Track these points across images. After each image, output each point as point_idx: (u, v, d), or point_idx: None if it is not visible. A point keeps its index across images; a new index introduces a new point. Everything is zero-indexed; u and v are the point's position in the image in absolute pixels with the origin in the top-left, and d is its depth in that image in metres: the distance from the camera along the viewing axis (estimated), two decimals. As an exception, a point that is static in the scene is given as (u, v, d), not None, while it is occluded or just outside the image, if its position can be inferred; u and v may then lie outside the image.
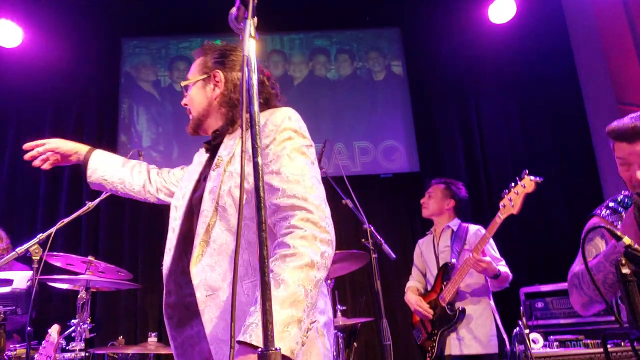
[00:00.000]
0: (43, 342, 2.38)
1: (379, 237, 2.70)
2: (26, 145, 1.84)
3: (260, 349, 0.80)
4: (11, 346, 2.92)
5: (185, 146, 4.81)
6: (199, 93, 1.58)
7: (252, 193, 1.32)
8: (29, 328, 2.33)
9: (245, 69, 0.94)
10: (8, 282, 2.74)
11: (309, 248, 1.17)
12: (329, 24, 5.27)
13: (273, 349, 0.76)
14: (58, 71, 4.95)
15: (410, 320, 3.44)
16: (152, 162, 4.71)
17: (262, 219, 0.80)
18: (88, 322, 2.92)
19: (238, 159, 1.42)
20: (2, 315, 2.66)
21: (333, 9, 5.23)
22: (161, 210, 4.59)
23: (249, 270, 1.33)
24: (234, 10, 1.06)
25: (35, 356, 2.40)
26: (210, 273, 1.32)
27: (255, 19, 1.05)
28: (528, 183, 2.82)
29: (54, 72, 4.94)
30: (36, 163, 1.83)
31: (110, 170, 1.83)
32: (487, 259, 2.96)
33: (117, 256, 4.43)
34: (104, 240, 4.57)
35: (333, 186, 2.88)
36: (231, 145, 1.48)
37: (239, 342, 1.08)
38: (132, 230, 4.64)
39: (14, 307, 2.72)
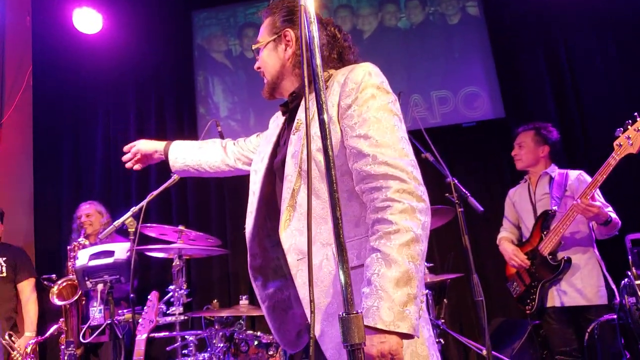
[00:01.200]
0: (145, 307, 2.55)
1: (464, 189, 2.56)
2: (125, 148, 2.02)
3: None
4: (119, 312, 3.17)
5: (262, 113, 4.84)
6: (270, 55, 1.53)
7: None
8: (131, 295, 2.51)
9: (304, 20, 0.86)
10: (110, 253, 2.93)
11: (411, 222, 1.14)
12: (396, -31, 4.97)
13: (354, 312, 0.72)
14: (136, 52, 5.15)
15: (504, 274, 3.29)
16: (231, 131, 4.85)
17: (333, 179, 0.74)
18: (184, 287, 3.09)
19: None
20: (109, 283, 2.89)
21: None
22: (244, 177, 4.72)
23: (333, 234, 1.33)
24: (293, 32, 1.02)
25: (140, 320, 2.58)
26: (299, 237, 1.30)
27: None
28: None
29: (132, 54, 5.14)
30: (128, 165, 2.00)
31: (189, 156, 1.90)
32: (598, 203, 2.72)
33: (206, 224, 4.63)
34: (193, 209, 4.79)
35: (412, 141, 2.75)
36: (313, 106, 1.42)
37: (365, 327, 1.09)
38: (219, 198, 4.82)
39: (118, 276, 2.92)
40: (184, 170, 1.92)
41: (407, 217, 1.14)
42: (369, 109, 1.26)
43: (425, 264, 3.27)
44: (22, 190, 5.04)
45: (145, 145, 1.97)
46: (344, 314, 0.81)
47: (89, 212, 3.97)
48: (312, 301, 0.89)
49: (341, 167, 1.30)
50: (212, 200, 4.81)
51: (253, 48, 1.58)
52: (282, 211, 1.34)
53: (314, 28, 0.88)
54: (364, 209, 1.26)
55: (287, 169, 1.37)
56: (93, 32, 5.06)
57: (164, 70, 5.15)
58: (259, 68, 1.58)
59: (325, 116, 0.85)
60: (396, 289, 1.08)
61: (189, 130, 4.96)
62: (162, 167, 5.03)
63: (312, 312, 0.92)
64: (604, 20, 4.59)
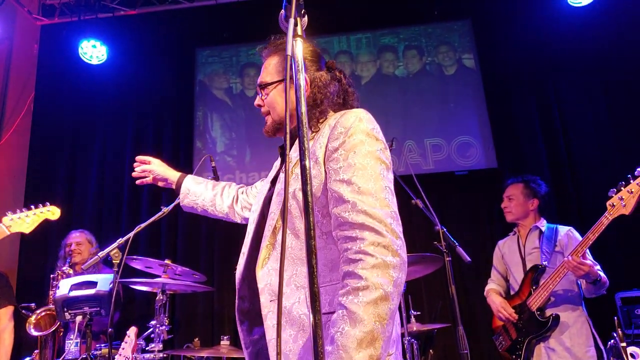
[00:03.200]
0: (122, 343, 2.48)
1: (452, 239, 2.55)
2: (138, 158, 2.06)
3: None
4: (97, 346, 3.09)
5: (258, 150, 4.89)
6: (282, 96, 1.48)
7: (314, 197, 1.26)
8: (110, 329, 2.45)
9: (290, 69, 0.88)
10: (93, 284, 2.88)
11: (382, 278, 1.10)
12: (395, 21, 5.13)
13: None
14: (139, 84, 5.24)
15: (490, 326, 3.24)
16: (226, 166, 4.87)
17: (311, 225, 0.74)
18: (166, 323, 3.01)
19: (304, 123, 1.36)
20: (88, 315, 2.83)
21: (399, 6, 5.09)
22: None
23: None
24: (282, 10, 1.03)
25: (116, 356, 2.50)
26: (275, 277, 1.27)
27: (306, 18, 1.03)
28: None
29: (135, 85, 5.24)
30: (135, 174, 2.03)
31: (200, 197, 1.91)
32: (589, 262, 2.71)
33: (194, 259, 4.58)
34: (182, 244, 4.75)
35: (402, 186, 2.76)
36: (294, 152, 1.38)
37: None
38: (209, 234, 4.78)
39: (98, 308, 2.86)
40: (191, 207, 1.93)
41: (379, 273, 1.10)
42: (355, 154, 1.23)
43: (412, 312, 3.23)
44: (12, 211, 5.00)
45: (159, 169, 2.01)
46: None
47: (79, 241, 3.91)
48: (279, 354, 0.89)
49: (323, 209, 1.28)
50: (202, 236, 4.77)
51: (261, 83, 1.53)
52: (262, 249, 1.32)
53: (301, 77, 0.89)
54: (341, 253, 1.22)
55: (271, 206, 1.36)
56: (98, 63, 5.16)
57: (165, 103, 5.22)
58: (259, 105, 1.54)
59: (307, 162, 0.84)
60: (358, 349, 1.04)
61: (185, 162, 4.98)
62: (153, 198, 5.01)
63: (279, 353, 0.90)
64: (595, 71, 4.73)
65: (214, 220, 4.74)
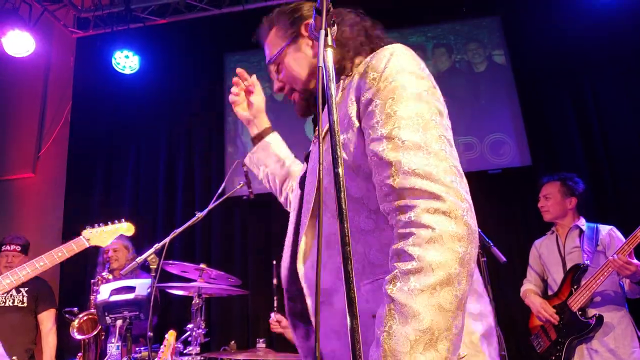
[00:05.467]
0: (161, 346, 2.54)
1: (486, 239, 2.51)
2: (239, 70, 1.72)
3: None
4: (137, 349, 3.16)
5: (287, 154, 4.92)
6: (297, 58, 1.27)
7: (354, 170, 1.03)
8: (149, 333, 2.50)
9: (322, 80, 0.86)
10: (131, 289, 2.95)
11: (442, 256, 0.84)
12: (422, 19, 5.09)
13: None
14: (170, 91, 5.36)
15: (527, 327, 3.17)
16: (257, 171, 4.92)
17: (346, 232, 0.74)
18: (203, 326, 3.07)
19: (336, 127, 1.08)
20: (128, 319, 2.90)
21: (427, 4, 5.04)
22: (270, 216, 4.74)
23: (366, 267, 1.00)
24: (311, 20, 0.96)
25: (156, 359, 2.57)
26: (321, 273, 1.02)
27: (335, 27, 0.95)
28: None
29: (166, 93, 5.36)
30: (236, 82, 1.72)
31: (270, 163, 1.63)
32: (636, 261, 2.63)
33: (229, 262, 4.64)
34: (216, 247, 4.82)
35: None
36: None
37: None
38: (243, 237, 4.84)
39: (137, 313, 2.93)
40: (254, 164, 1.66)
41: (437, 250, 0.84)
42: (395, 101, 0.97)
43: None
44: (52, 222, 5.19)
45: (260, 102, 1.70)
46: None
47: (116, 247, 4.02)
48: (317, 339, 0.76)
49: (368, 181, 1.02)
50: (236, 240, 4.83)
51: (270, 59, 1.34)
52: (301, 238, 1.09)
53: (332, 86, 0.83)
54: None
55: (306, 187, 1.15)
56: (130, 72, 5.30)
57: (196, 110, 5.31)
58: (280, 88, 1.34)
59: (340, 169, 0.76)
60: (413, 354, 0.80)
61: (217, 167, 5.06)
62: (187, 204, 5.09)
63: None
64: (632, 65, 4.56)
65: (246, 224, 4.83)
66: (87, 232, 2.61)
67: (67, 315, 3.45)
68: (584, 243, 2.94)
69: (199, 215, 3.06)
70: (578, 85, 4.65)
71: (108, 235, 2.65)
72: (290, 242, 1.19)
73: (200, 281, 3.02)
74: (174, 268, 3.26)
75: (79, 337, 3.28)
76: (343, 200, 0.75)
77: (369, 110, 1.00)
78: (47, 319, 3.99)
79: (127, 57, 5.31)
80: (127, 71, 5.33)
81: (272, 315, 3.22)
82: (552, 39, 4.70)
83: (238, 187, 3.45)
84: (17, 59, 5.16)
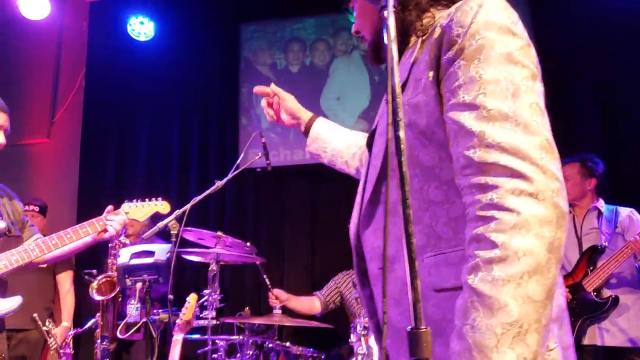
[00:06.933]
0: (183, 308, 2.61)
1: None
2: (256, 90, 1.72)
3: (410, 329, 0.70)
4: (154, 311, 3.24)
5: (301, 127, 4.90)
6: (363, 5, 1.18)
7: (427, 137, 0.97)
8: (170, 296, 2.57)
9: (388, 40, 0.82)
10: (150, 254, 3.02)
11: (529, 242, 0.77)
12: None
13: (423, 327, 0.72)
14: (185, 60, 5.33)
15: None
16: (270, 143, 4.92)
17: (406, 195, 0.76)
18: (218, 292, 3.14)
19: (413, 84, 1.01)
20: (147, 283, 2.98)
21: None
22: (283, 187, 4.77)
23: (431, 238, 0.96)
24: None
25: (177, 321, 2.64)
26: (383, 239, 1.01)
27: None
28: None
29: (181, 61, 5.33)
30: (262, 94, 1.71)
31: (330, 142, 1.55)
32: None
33: (242, 232, 4.70)
34: (230, 215, 4.87)
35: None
36: (405, 68, 1.04)
37: None
38: (255, 205, 4.89)
39: (156, 277, 3.00)
40: (317, 155, 1.59)
41: (523, 236, 0.77)
42: (481, 63, 0.87)
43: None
44: (67, 186, 5.24)
45: (293, 105, 1.63)
46: (412, 329, 0.70)
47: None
48: (385, 322, 0.76)
49: (441, 149, 0.96)
50: (249, 208, 4.88)
51: (349, 5, 1.26)
52: (364, 202, 1.06)
53: (394, 47, 0.78)
54: None
55: (374, 148, 1.09)
56: (145, 39, 5.27)
57: (210, 79, 5.29)
58: (357, 32, 1.24)
59: (401, 132, 0.74)
60: (501, 348, 0.74)
61: (230, 139, 5.07)
62: (201, 173, 5.11)
63: (383, 348, 0.74)
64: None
65: (260, 192, 4.88)
66: (126, 206, 2.65)
67: (86, 277, 3.53)
68: (602, 225, 2.96)
69: (219, 183, 3.09)
70: (600, 64, 4.59)
71: (146, 211, 2.70)
72: (357, 205, 1.15)
73: (219, 248, 3.07)
74: (191, 235, 3.32)
75: (98, 298, 3.35)
76: (404, 163, 0.77)
77: (449, 72, 0.91)
78: (65, 280, 4.09)
79: (142, 23, 5.27)
80: (142, 38, 5.29)
81: (271, 292, 3.34)
82: (577, 18, 4.63)
83: (256, 158, 3.48)
84: (30, 24, 5.13)
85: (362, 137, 1.54)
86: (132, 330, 3.07)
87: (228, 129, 5.16)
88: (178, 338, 2.52)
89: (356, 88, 4.97)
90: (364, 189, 1.13)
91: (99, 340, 3.26)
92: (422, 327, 0.71)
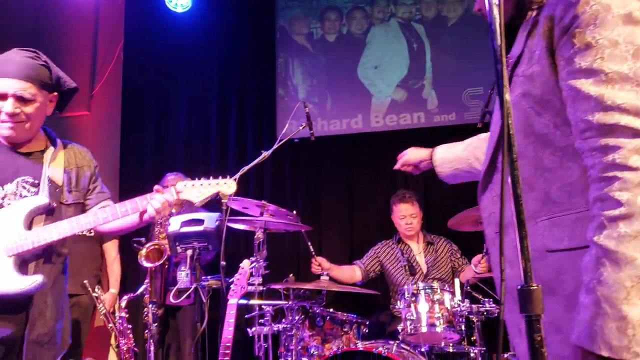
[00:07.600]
0: (237, 274, 2.69)
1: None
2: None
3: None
4: (203, 277, 3.35)
5: (339, 97, 4.88)
6: None
7: (542, 105, 1.00)
8: (223, 262, 2.64)
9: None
10: (200, 222, 3.10)
11: None
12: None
13: (534, 285, 0.74)
14: (221, 31, 5.33)
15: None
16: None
17: (514, 158, 0.77)
18: (264, 259, 3.22)
19: (528, 56, 1.04)
20: (197, 250, 3.07)
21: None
22: (319, 155, 4.79)
23: (545, 203, 1.00)
24: None
25: (232, 286, 2.72)
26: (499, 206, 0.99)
27: None
28: None
29: (217, 33, 5.33)
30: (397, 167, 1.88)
31: (454, 158, 1.61)
32: None
33: (280, 201, 4.77)
34: (268, 185, 4.94)
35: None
36: (521, 41, 1.08)
37: (586, 352, 0.82)
38: (293, 176, 4.95)
39: (206, 244, 3.09)
40: (453, 176, 1.64)
41: None
42: (597, 27, 0.86)
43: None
44: (109, 159, 5.36)
45: (412, 155, 1.77)
46: (522, 286, 0.74)
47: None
48: (502, 280, 0.79)
49: (556, 116, 0.98)
50: (286, 178, 4.94)
51: None
52: (483, 170, 1.12)
53: (501, 22, 0.84)
54: (584, 172, 0.92)
55: (493, 117, 1.15)
56: (183, 11, 5.27)
57: (247, 50, 5.29)
58: (479, 10, 1.27)
59: (506, 95, 0.76)
60: (631, 300, 0.77)
61: (267, 110, 5.10)
62: (239, 144, 5.14)
63: (502, 303, 0.79)
64: None
65: (298, 161, 4.92)
66: (181, 185, 2.27)
67: (135, 245, 3.65)
68: None
69: (265, 154, 3.15)
70: None
71: (202, 192, 2.24)
72: (488, 159, 1.17)
73: (267, 216, 3.13)
74: (236, 204, 3.38)
75: (147, 264, 3.48)
76: (510, 127, 0.77)
77: (564, 40, 0.92)
78: (111, 248, 4.24)
79: (179, -6, 5.28)
80: (179, 10, 5.30)
81: (314, 259, 3.42)
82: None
83: (300, 128, 3.51)
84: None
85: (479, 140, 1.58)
86: (184, 296, 3.19)
87: (265, 99, 5.18)
88: (233, 302, 2.61)
89: (394, 56, 4.90)
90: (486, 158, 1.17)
91: (149, 305, 3.39)
92: (533, 285, 0.73)
